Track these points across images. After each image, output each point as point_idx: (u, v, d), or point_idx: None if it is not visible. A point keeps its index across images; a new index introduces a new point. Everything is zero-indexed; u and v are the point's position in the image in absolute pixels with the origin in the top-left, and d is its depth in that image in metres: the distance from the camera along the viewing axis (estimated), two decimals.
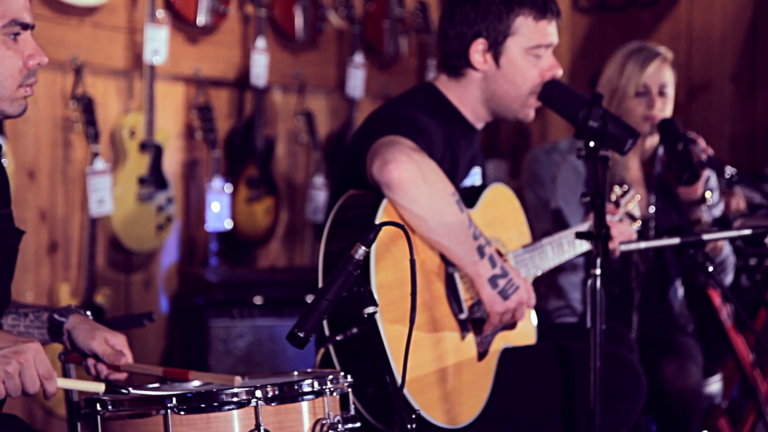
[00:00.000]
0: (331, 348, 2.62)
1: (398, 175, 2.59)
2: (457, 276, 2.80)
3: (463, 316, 2.79)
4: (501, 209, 3.02)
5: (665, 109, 3.79)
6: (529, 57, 2.98)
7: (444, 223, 2.66)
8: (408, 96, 3.04)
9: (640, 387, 2.95)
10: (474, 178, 3.11)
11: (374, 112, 2.96)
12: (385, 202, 2.64)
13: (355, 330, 2.46)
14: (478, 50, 2.97)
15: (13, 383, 2.15)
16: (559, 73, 3.03)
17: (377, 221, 2.60)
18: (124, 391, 2.28)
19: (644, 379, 2.96)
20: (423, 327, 2.67)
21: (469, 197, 2.90)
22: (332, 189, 2.92)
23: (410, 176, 2.59)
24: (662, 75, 3.80)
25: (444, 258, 2.77)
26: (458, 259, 2.73)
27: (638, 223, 3.37)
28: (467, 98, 3.02)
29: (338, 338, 2.47)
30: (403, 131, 2.72)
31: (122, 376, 2.62)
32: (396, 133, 2.70)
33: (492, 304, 2.76)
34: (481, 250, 2.72)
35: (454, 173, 2.94)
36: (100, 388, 2.25)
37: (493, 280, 2.75)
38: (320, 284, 2.63)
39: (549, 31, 3.00)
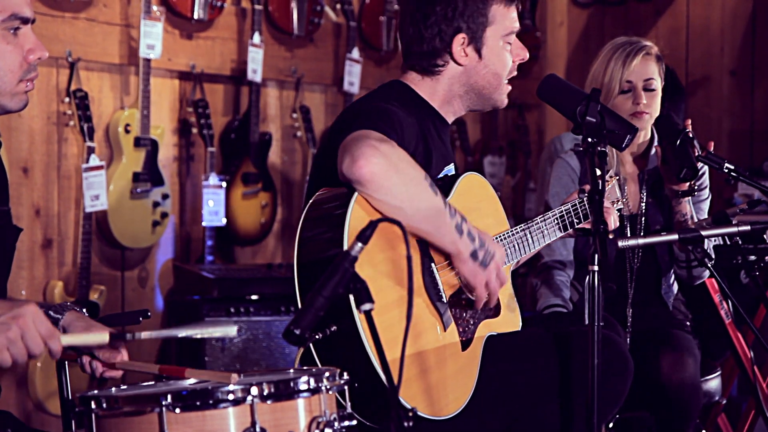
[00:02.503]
0: (311, 348, 2.60)
1: (369, 170, 2.59)
2: (434, 267, 2.79)
3: (443, 308, 2.78)
4: (476, 197, 3.02)
5: (652, 103, 3.78)
6: (505, 44, 3.04)
7: (420, 208, 2.67)
8: (379, 92, 3.05)
9: (627, 366, 2.96)
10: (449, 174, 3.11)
11: (347, 108, 2.97)
12: (355, 197, 2.63)
13: (333, 328, 2.45)
14: (459, 45, 2.99)
15: (17, 348, 2.14)
16: (527, 56, 3.09)
17: (348, 217, 2.59)
18: (129, 335, 2.27)
19: (630, 359, 2.97)
20: (402, 320, 2.66)
21: (443, 188, 2.90)
22: (308, 186, 2.92)
23: (381, 169, 2.60)
24: (646, 69, 3.79)
25: (420, 250, 2.76)
26: (438, 241, 2.74)
27: (619, 204, 3.37)
28: (441, 93, 3.05)
29: (317, 337, 2.45)
30: (376, 125, 2.72)
31: (118, 374, 2.60)
32: (368, 127, 2.70)
33: (474, 276, 2.78)
34: (459, 228, 2.74)
35: (428, 168, 2.94)
36: (104, 338, 2.24)
37: (474, 255, 2.77)
38: (295, 280, 2.62)
39: (515, 16, 3.06)
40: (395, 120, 2.79)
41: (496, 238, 2.99)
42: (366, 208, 2.66)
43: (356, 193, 2.64)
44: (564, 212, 3.15)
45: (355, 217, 2.62)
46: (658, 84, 3.81)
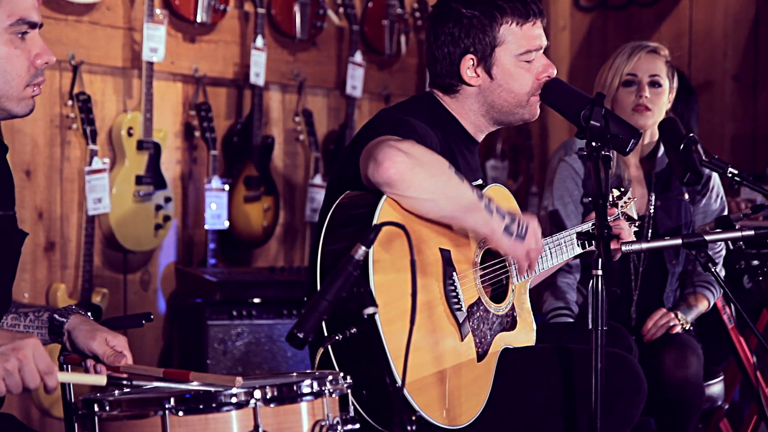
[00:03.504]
0: (329, 348, 2.60)
1: (395, 170, 2.59)
2: (456, 276, 2.78)
3: (461, 318, 2.77)
4: None
5: (656, 101, 3.75)
6: (520, 63, 2.97)
7: (450, 196, 2.69)
8: (408, 104, 3.04)
9: (640, 389, 2.94)
10: None
11: (372, 118, 2.96)
12: (383, 201, 2.63)
13: (353, 330, 2.44)
14: (468, 66, 2.96)
15: (14, 380, 2.14)
16: (554, 73, 3.01)
17: (375, 220, 2.59)
18: (127, 382, 2.26)
19: (644, 382, 2.95)
20: (421, 327, 2.66)
21: None
22: (327, 190, 2.91)
23: (406, 167, 2.60)
24: (652, 65, 3.77)
25: (443, 259, 2.75)
26: (472, 224, 2.77)
27: (634, 226, 3.36)
28: (466, 112, 3.02)
29: (337, 338, 2.45)
30: (395, 132, 2.71)
31: (122, 377, 2.60)
32: (386, 134, 2.70)
33: (513, 250, 2.82)
34: (488, 208, 2.76)
35: None
36: (101, 380, 2.24)
37: (507, 230, 2.79)
38: (318, 285, 2.61)
39: (536, 33, 2.98)
40: (418, 130, 2.79)
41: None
42: (394, 208, 2.66)
43: (385, 196, 2.63)
44: (585, 231, 3.14)
45: (383, 218, 2.61)
46: (665, 84, 3.78)
